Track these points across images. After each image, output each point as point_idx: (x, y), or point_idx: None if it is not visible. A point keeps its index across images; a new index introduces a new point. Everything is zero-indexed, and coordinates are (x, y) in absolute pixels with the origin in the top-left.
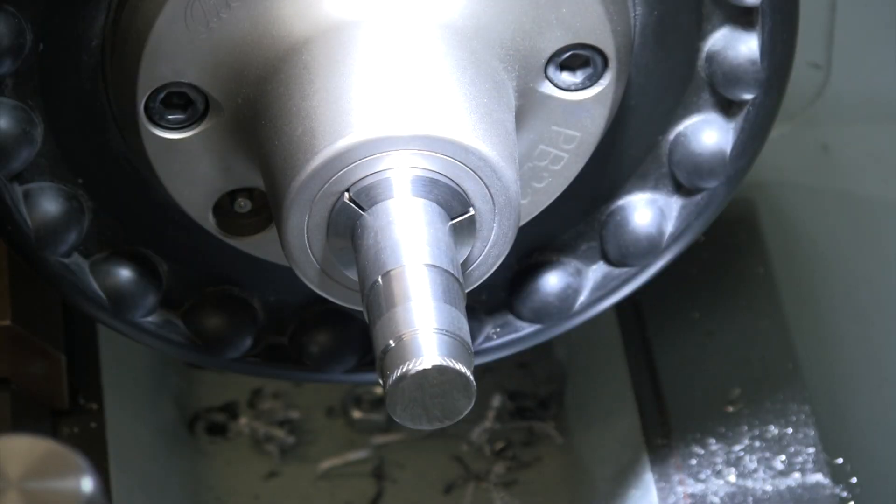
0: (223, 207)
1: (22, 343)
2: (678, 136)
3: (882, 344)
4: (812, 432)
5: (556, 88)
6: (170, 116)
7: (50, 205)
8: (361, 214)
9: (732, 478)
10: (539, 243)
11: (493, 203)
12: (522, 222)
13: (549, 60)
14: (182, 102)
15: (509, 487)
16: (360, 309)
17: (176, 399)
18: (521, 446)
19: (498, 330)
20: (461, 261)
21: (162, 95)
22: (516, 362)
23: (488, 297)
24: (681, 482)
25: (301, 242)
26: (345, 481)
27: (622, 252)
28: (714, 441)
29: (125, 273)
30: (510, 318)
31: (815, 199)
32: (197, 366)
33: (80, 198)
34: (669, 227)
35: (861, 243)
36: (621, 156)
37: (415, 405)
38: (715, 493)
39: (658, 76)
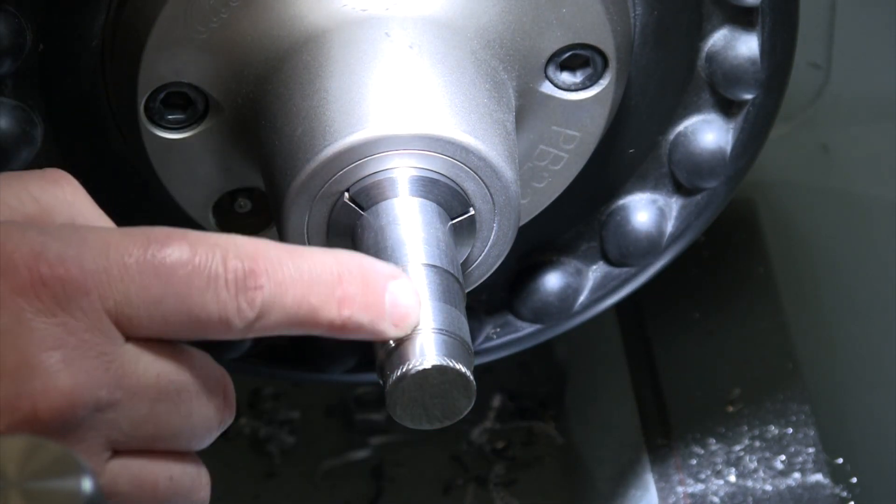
0: (223, 207)
1: None
2: (678, 136)
3: (882, 344)
4: (812, 432)
5: (556, 88)
6: (170, 116)
7: None
8: (361, 214)
9: (732, 478)
10: (539, 243)
11: (493, 203)
12: (522, 222)
13: (549, 60)
14: (182, 102)
15: (509, 487)
16: None
17: None
18: (521, 446)
19: (498, 330)
20: (461, 261)
21: (162, 95)
22: (516, 362)
23: (488, 297)
24: (681, 482)
25: (301, 242)
26: (344, 481)
27: (622, 252)
28: (714, 441)
29: None
30: (510, 318)
31: (815, 199)
32: None
33: None
34: (669, 227)
35: (861, 243)
36: (621, 156)
37: (415, 405)
38: (715, 493)
39: (658, 76)
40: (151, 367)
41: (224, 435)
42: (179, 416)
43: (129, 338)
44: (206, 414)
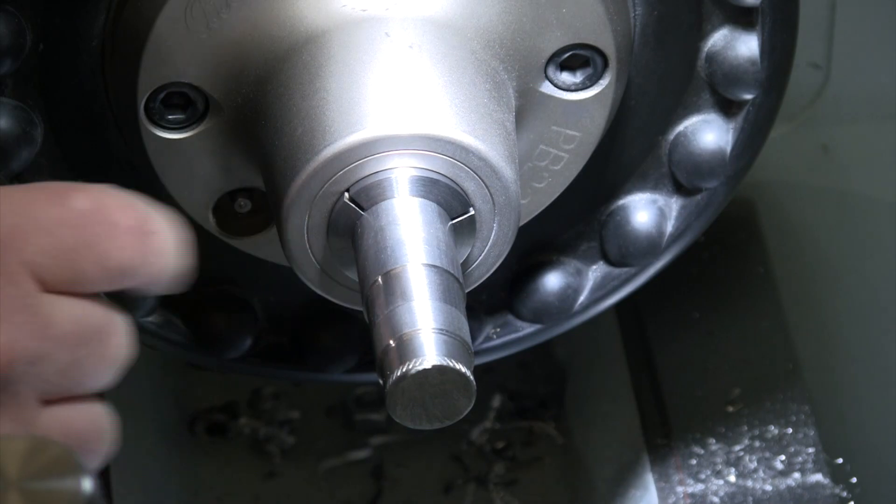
0: (223, 207)
1: None
2: (678, 136)
3: (882, 344)
4: (812, 432)
5: (556, 88)
6: (170, 116)
7: None
8: (361, 214)
9: (732, 478)
10: (539, 243)
11: (493, 203)
12: (522, 222)
13: (549, 60)
14: (182, 102)
15: (509, 487)
16: (360, 309)
17: (176, 399)
18: (521, 446)
19: (498, 330)
20: (461, 261)
21: (162, 95)
22: (516, 362)
23: (488, 297)
24: (681, 482)
25: (301, 242)
26: (345, 481)
27: (622, 252)
28: (714, 441)
29: None
30: (510, 318)
31: (815, 199)
32: (197, 366)
33: None
34: (669, 227)
35: (861, 243)
36: (621, 156)
37: (415, 405)
38: (715, 493)
39: (658, 76)
40: (70, 314)
41: (224, 435)
42: (97, 358)
43: (46, 289)
44: (116, 353)
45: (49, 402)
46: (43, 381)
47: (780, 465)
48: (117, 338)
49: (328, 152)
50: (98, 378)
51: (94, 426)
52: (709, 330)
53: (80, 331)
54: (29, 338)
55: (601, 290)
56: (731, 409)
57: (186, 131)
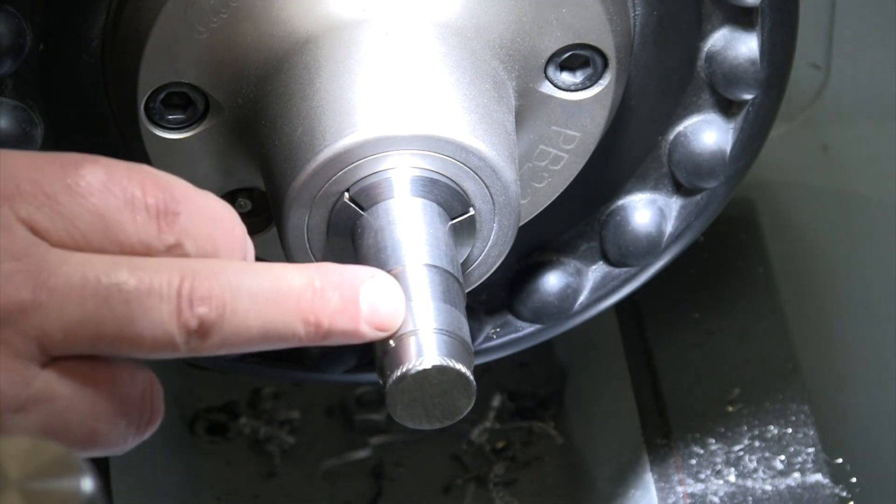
0: None
1: None
2: (678, 136)
3: (882, 344)
4: (812, 432)
5: (556, 88)
6: (170, 116)
7: None
8: (361, 214)
9: (732, 478)
10: (539, 243)
11: (493, 203)
12: (522, 222)
13: (549, 60)
14: (182, 102)
15: (509, 487)
16: None
17: (176, 399)
18: (521, 446)
19: (498, 330)
20: (461, 261)
21: (162, 95)
22: (516, 362)
23: (488, 297)
24: (681, 482)
25: (301, 242)
26: (345, 481)
27: (622, 252)
28: (714, 441)
29: None
30: (510, 318)
31: (815, 199)
32: (197, 366)
33: None
34: (669, 227)
35: (861, 243)
36: (621, 156)
37: (415, 405)
38: (715, 493)
39: (658, 76)
40: (77, 267)
41: (224, 435)
42: (116, 318)
43: (51, 244)
44: (153, 316)
45: (61, 357)
46: (42, 333)
47: (779, 465)
48: (147, 298)
49: (328, 152)
50: (126, 340)
51: (117, 391)
52: (709, 330)
53: (89, 285)
54: (18, 287)
55: (601, 290)
56: (731, 409)
57: (186, 131)
